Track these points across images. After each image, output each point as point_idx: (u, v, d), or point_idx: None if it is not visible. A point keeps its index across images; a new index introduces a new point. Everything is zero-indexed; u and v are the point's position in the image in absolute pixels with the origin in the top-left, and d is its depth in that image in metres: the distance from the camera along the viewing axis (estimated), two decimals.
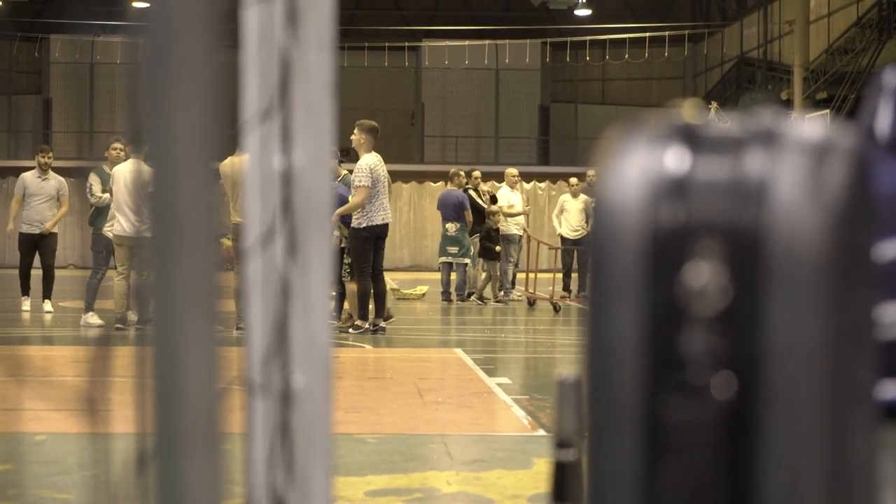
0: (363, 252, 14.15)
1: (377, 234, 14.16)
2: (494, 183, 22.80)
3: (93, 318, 14.66)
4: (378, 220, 14.10)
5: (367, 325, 14.23)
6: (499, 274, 20.45)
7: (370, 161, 14.07)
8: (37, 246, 16.78)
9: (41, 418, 7.69)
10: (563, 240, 21.33)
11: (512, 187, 21.11)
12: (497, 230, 20.26)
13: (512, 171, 21.69)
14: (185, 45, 1.51)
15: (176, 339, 1.51)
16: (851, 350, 1.26)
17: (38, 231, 16.61)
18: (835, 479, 1.24)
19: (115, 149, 15.18)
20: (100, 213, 15.07)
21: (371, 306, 14.28)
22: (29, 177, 16.76)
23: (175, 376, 1.51)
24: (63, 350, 12.48)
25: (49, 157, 16.78)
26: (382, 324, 14.35)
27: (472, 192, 20.31)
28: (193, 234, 1.51)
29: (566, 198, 21.66)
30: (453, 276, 20.47)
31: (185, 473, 1.51)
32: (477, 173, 20.99)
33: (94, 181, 15.16)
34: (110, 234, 14.62)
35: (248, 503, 1.75)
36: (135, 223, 14.03)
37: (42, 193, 16.69)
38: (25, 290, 17.20)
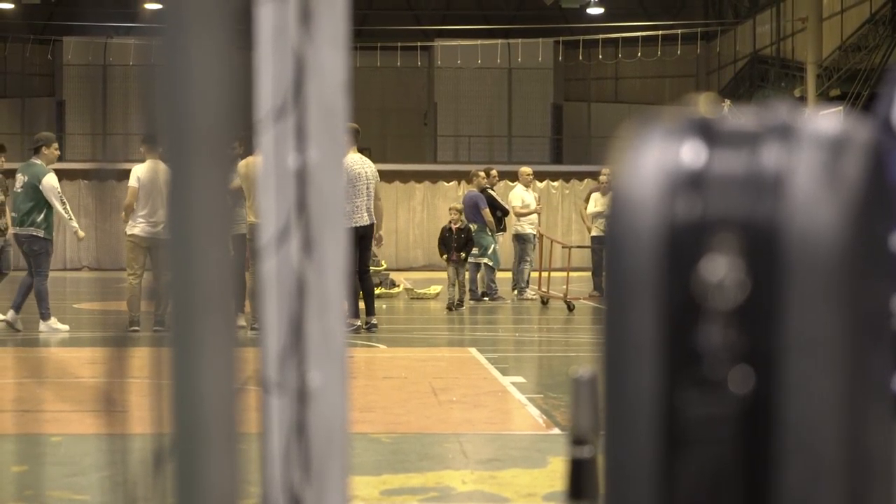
0: None
1: (360, 234, 14.12)
2: (508, 182, 22.71)
3: (56, 324, 14.16)
4: (361, 223, 14.00)
5: (359, 323, 14.28)
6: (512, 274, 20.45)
7: (346, 160, 14.05)
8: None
9: (58, 420, 7.71)
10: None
11: (527, 186, 21.04)
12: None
13: (526, 170, 21.61)
14: (199, 45, 1.51)
15: (193, 338, 1.51)
16: (869, 342, 1.26)
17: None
18: (853, 471, 1.24)
19: (57, 148, 14.48)
20: (46, 214, 14.03)
21: (361, 305, 14.41)
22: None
23: (192, 376, 1.51)
24: (80, 352, 12.50)
25: None
26: (373, 321, 14.43)
27: (490, 192, 20.25)
28: (210, 234, 1.51)
29: (596, 196, 21.31)
30: (477, 274, 20.44)
31: (203, 473, 1.51)
32: (494, 172, 20.95)
33: (54, 181, 14.11)
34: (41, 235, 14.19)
35: (264, 502, 1.75)
36: (151, 225, 13.98)
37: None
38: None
